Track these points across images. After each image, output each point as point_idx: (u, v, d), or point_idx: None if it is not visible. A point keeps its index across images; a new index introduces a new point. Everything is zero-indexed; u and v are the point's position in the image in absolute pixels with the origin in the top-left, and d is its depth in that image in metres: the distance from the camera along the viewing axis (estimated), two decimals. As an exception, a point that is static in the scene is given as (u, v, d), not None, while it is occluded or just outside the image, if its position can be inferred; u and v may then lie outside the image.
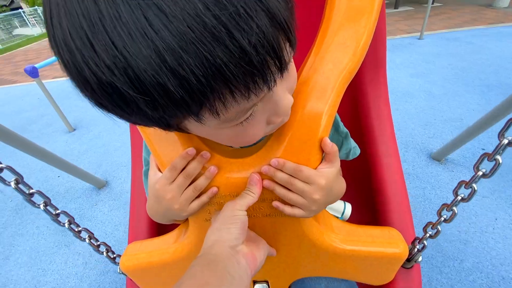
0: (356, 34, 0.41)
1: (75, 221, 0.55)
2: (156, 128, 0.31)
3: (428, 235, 0.50)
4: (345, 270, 0.51)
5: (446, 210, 0.47)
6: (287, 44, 0.27)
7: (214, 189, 0.42)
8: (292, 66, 0.33)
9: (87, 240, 0.56)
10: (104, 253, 0.59)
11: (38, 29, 14.70)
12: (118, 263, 0.57)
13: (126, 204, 1.76)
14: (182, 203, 0.41)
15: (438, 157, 1.70)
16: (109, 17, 0.20)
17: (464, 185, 0.44)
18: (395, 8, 6.18)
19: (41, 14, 14.25)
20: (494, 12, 5.05)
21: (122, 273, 0.54)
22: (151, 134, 0.42)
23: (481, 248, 1.21)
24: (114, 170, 2.08)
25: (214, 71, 0.21)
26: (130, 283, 0.59)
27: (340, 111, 0.43)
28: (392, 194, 0.59)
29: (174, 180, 0.41)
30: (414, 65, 3.18)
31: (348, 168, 0.60)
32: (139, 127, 0.41)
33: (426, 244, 0.50)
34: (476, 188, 0.43)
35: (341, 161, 0.45)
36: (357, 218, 0.60)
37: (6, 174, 0.44)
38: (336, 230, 0.49)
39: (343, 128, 0.52)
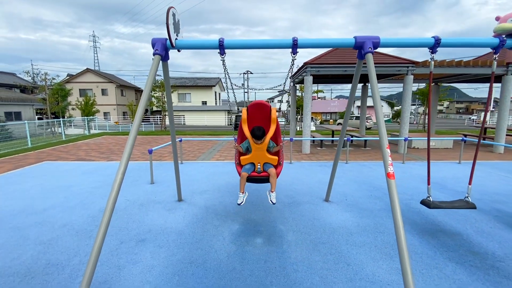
0: (272, 128, 3.20)
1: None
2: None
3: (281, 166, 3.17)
4: (271, 160, 3.12)
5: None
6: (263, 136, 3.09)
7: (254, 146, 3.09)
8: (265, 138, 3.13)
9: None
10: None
11: (80, 130, 18.81)
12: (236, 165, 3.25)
13: (195, 206, 4.05)
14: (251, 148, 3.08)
15: (326, 199, 4.19)
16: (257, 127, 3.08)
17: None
18: (343, 147, 9.78)
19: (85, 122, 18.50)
20: (396, 154, 8.47)
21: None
22: (249, 137, 3.13)
23: (311, 224, 3.56)
24: (183, 197, 4.41)
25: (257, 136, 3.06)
26: (238, 168, 3.23)
27: (272, 138, 3.29)
28: (280, 155, 3.30)
29: (249, 145, 3.12)
30: (337, 174, 6.02)
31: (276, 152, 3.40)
32: (248, 136, 3.14)
33: (282, 164, 3.20)
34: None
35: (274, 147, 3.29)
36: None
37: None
38: (270, 154, 3.16)
39: (272, 143, 3.23)
